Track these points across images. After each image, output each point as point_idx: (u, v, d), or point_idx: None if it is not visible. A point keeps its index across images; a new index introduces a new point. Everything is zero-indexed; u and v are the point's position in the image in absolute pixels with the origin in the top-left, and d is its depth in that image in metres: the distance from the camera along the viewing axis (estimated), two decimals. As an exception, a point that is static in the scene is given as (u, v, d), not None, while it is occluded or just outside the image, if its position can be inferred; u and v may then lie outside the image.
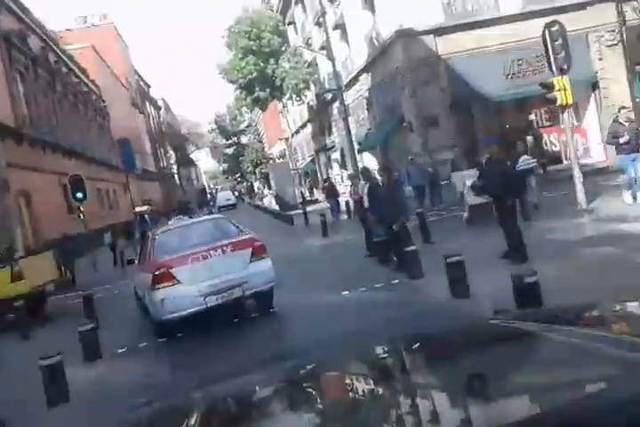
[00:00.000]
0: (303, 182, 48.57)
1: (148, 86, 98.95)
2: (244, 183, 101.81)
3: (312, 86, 41.94)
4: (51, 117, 30.87)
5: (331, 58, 26.31)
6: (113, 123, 53.68)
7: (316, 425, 1.64)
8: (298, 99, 41.18)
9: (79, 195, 20.91)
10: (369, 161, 33.64)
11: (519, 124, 23.83)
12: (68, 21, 58.44)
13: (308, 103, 46.22)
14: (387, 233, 11.07)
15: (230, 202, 63.21)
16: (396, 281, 10.12)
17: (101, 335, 9.10)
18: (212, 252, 9.25)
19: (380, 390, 1.84)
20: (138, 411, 2.31)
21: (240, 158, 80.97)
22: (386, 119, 27.72)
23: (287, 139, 47.73)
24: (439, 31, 23.24)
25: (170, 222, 12.58)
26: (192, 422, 1.78)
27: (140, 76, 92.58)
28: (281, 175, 37.01)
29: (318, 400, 1.89)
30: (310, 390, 2.04)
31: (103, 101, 51.16)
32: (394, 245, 10.93)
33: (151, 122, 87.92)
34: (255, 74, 38.15)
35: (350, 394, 1.85)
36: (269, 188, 67.01)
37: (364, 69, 29.22)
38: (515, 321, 2.26)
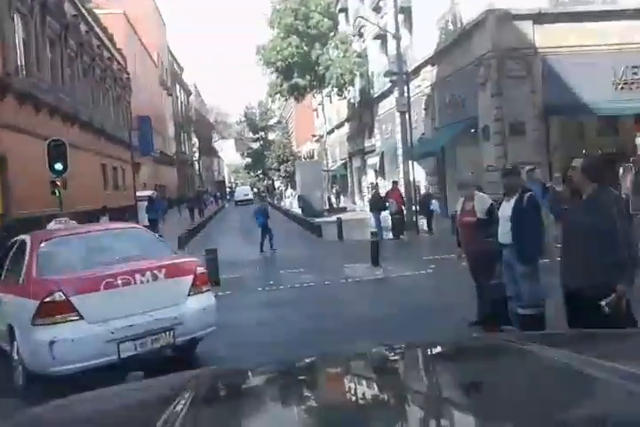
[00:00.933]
0: (330, 187, 43.85)
1: (182, 69, 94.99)
2: (265, 181, 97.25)
3: (358, 80, 37.32)
4: (57, 75, 26.44)
5: (397, 37, 21.58)
6: (135, 98, 49.37)
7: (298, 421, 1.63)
8: (340, 92, 36.57)
9: (58, 166, 16.32)
10: (417, 173, 28.98)
11: (622, 146, 18.92)
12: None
13: (349, 100, 41.56)
14: (574, 307, 4.92)
15: (248, 197, 63.91)
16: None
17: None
18: (136, 276, 6.26)
19: (371, 396, 1.79)
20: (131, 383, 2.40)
21: (265, 153, 76.22)
22: (449, 123, 22.99)
23: (321, 137, 43.02)
24: (539, 18, 18.48)
25: (59, 224, 8.78)
26: (182, 402, 1.70)
27: (174, 57, 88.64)
28: (310, 176, 32.34)
29: (304, 400, 1.84)
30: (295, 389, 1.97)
31: (127, 73, 46.84)
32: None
33: (179, 106, 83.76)
34: (296, 58, 33.49)
35: (340, 396, 1.82)
36: (292, 188, 62.50)
37: (429, 61, 24.49)
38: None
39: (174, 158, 71.59)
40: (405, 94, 21.61)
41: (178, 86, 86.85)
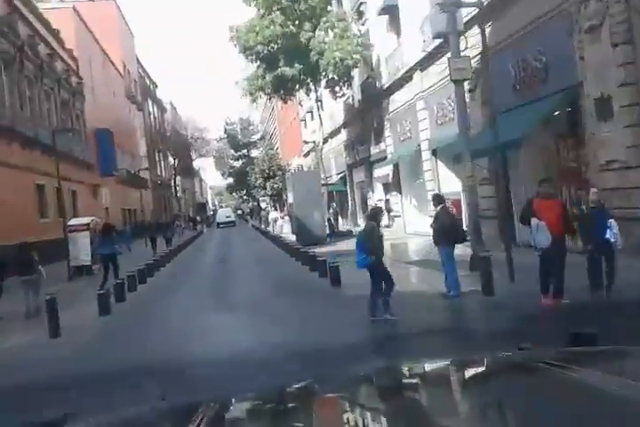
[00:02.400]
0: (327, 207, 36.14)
1: (155, 85, 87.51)
2: (250, 203, 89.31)
3: (358, 73, 29.90)
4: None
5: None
6: (92, 109, 41.78)
7: None
8: (337, 88, 29.15)
9: None
10: (448, 182, 21.60)
11: None
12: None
13: (346, 100, 34.14)
14: None
15: (230, 219, 64.58)
16: None
17: None
18: None
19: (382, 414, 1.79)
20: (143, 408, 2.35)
21: (248, 172, 68.39)
22: (518, 105, 15.54)
23: (316, 145, 35.40)
24: None
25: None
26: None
27: (145, 71, 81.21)
28: (305, 191, 24.48)
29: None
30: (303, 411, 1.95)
31: (79, 78, 39.23)
32: None
33: (152, 122, 76.13)
34: (281, 41, 25.94)
35: (347, 417, 1.79)
36: (280, 209, 54.54)
37: (476, 19, 17.03)
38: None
39: (147, 180, 63.78)
40: (417, 89, 14.02)
41: (150, 102, 79.40)
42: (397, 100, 25.20)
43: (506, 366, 2.12)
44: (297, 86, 28.89)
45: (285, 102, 33.00)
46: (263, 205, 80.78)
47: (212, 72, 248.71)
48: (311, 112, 46.76)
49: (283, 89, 28.55)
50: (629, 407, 1.40)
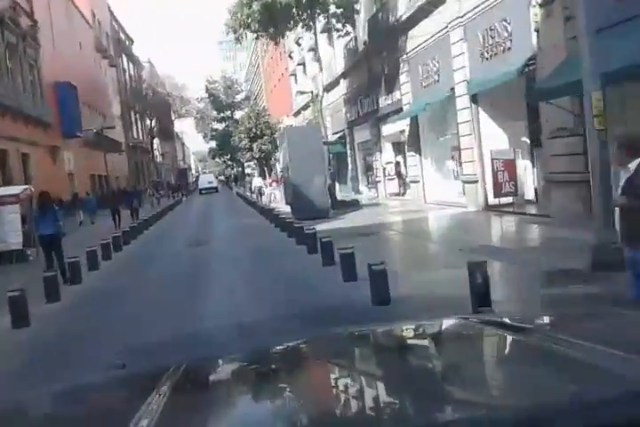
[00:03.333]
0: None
1: (131, 41, 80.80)
2: (234, 168, 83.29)
3: (363, 5, 24.49)
4: None
5: None
6: (51, 60, 36.00)
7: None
8: (341, 21, 23.78)
9: None
10: (492, 137, 16.69)
11: None
12: None
13: (347, 44, 28.74)
14: None
15: (212, 185, 62.96)
16: None
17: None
18: None
19: (347, 382, 1.73)
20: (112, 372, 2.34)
21: (232, 133, 62.36)
22: (619, 24, 10.44)
23: (315, 96, 29.83)
24: None
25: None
26: (161, 391, 1.65)
27: (120, 24, 74.54)
28: (305, 151, 19.07)
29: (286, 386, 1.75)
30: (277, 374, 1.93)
31: (33, 21, 33.37)
32: None
33: (127, 80, 69.81)
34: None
35: (321, 384, 1.78)
36: (269, 174, 48.76)
37: None
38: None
39: (120, 142, 57.97)
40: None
41: (125, 59, 72.95)
42: (419, 34, 19.84)
43: (460, 330, 2.15)
44: (291, 22, 23.35)
45: (276, 44, 27.47)
46: (248, 170, 75.19)
47: (192, 31, 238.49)
48: (303, 64, 41.23)
49: (273, 25, 22.97)
50: (575, 367, 1.40)
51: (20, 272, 13.76)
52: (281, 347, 2.23)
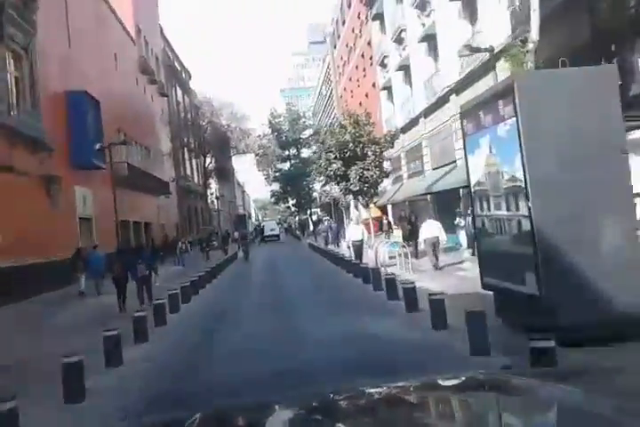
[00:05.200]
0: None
1: (189, 74, 72.12)
2: (298, 215, 71.67)
3: None
4: None
5: None
6: (62, 59, 26.30)
7: None
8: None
9: None
10: None
11: None
12: None
13: None
14: None
15: (274, 233, 62.73)
16: None
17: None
18: None
19: None
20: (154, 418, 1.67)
21: (299, 174, 51.13)
22: None
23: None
24: None
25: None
26: None
27: (176, 55, 65.91)
28: (578, 140, 6.66)
29: None
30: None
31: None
32: None
33: (180, 113, 60.25)
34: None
35: None
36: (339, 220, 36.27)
37: None
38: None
39: (167, 182, 47.85)
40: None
41: (180, 91, 63.75)
42: None
43: (489, 386, 2.09)
44: None
45: None
46: (314, 218, 64.36)
47: (254, 77, 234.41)
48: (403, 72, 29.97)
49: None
50: (600, 421, 1.44)
51: None
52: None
